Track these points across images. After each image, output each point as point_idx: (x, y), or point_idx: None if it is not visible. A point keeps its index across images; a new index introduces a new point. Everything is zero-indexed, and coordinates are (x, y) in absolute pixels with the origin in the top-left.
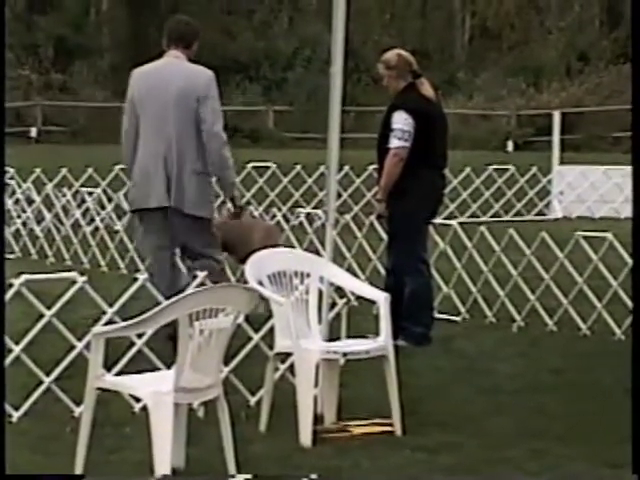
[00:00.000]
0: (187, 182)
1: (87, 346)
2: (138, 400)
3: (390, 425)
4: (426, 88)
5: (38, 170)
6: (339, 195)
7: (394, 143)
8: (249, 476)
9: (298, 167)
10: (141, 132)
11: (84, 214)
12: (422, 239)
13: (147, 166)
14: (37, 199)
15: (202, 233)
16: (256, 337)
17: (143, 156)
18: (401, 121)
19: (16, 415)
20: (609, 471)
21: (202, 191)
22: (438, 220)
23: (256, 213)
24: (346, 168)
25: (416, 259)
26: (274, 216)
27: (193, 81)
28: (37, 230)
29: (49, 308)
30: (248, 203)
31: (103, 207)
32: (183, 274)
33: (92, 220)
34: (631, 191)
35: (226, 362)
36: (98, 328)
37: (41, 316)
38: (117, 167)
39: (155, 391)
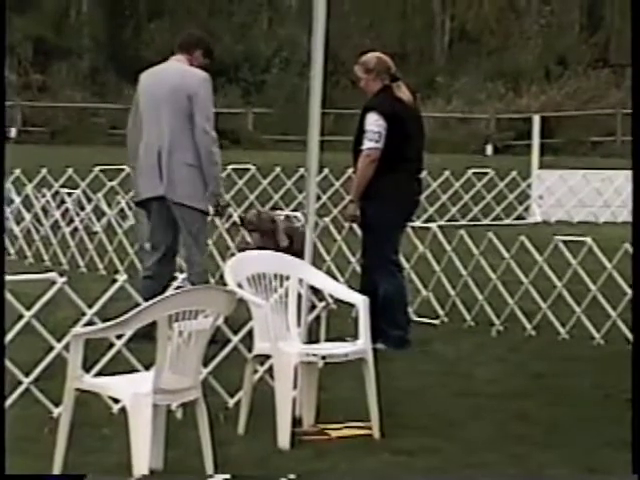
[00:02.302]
0: (177, 172)
1: (66, 347)
2: (117, 401)
3: (368, 428)
4: (402, 91)
5: (17, 171)
6: (318, 197)
7: (366, 144)
8: (228, 476)
9: (278, 169)
10: (142, 129)
11: (63, 215)
12: (393, 241)
13: (145, 159)
14: (16, 199)
15: (189, 222)
16: (235, 339)
17: (142, 150)
18: (372, 122)
19: None
20: (589, 476)
21: (192, 182)
22: (417, 223)
23: (235, 215)
24: (325, 171)
25: (386, 261)
26: None
27: (186, 80)
28: (16, 230)
29: (28, 309)
30: (228, 205)
31: (82, 208)
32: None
33: (71, 221)
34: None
35: (205, 364)
36: (77, 329)
37: (20, 317)
38: (97, 168)
39: (134, 392)
